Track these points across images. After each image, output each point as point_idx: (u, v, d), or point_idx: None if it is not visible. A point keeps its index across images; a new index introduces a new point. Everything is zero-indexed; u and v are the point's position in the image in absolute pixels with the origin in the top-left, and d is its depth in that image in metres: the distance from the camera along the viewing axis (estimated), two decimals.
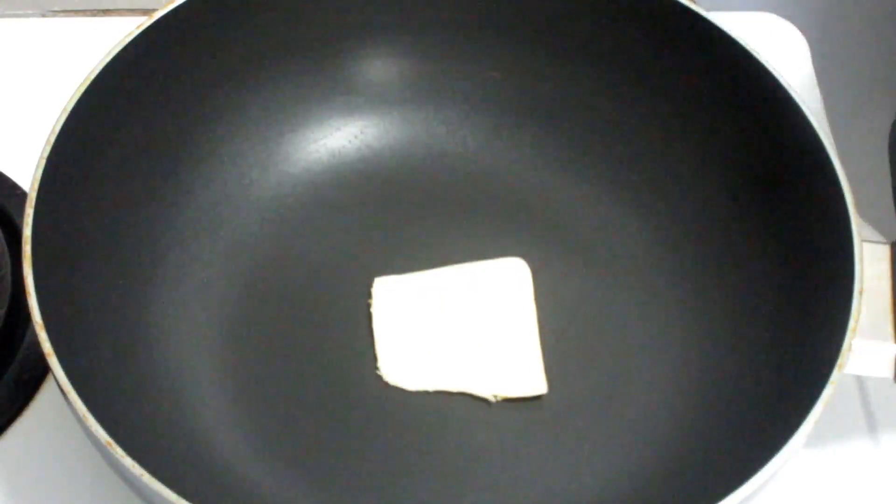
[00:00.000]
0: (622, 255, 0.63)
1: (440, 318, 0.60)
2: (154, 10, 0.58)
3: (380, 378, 0.58)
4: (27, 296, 0.49)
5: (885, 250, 0.54)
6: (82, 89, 0.55)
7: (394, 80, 0.65)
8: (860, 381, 0.61)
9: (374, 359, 0.59)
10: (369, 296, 0.61)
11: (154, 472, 0.46)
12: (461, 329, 0.60)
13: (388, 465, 0.56)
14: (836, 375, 0.49)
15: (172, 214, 0.60)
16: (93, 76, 0.55)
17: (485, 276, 0.61)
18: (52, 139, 0.53)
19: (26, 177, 0.53)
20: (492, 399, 0.58)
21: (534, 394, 0.58)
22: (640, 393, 0.58)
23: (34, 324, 0.49)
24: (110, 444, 0.46)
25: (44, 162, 0.52)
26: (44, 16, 0.75)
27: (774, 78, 0.57)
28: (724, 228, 0.60)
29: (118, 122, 0.57)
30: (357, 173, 0.65)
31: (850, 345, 0.50)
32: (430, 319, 0.60)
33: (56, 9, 0.75)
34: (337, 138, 0.65)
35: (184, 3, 0.58)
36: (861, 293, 0.51)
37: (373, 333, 0.59)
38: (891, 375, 0.52)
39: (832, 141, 0.56)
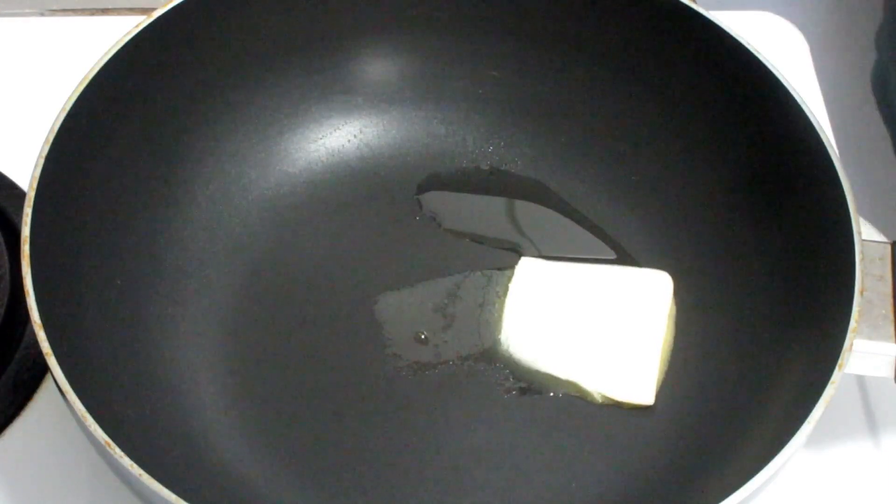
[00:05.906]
0: (621, 255, 0.62)
1: (572, 309, 0.60)
2: (153, 10, 0.58)
3: (379, 378, 0.58)
4: (26, 295, 0.49)
5: (885, 250, 0.54)
6: (81, 88, 0.55)
7: (393, 79, 0.65)
8: (860, 381, 0.61)
9: (374, 360, 0.59)
10: (369, 296, 0.61)
11: (153, 472, 0.46)
12: (588, 324, 0.60)
13: (388, 465, 0.56)
14: (836, 375, 0.49)
15: (171, 214, 0.60)
16: (91, 75, 0.55)
17: (626, 281, 0.61)
18: (51, 138, 0.53)
19: (25, 176, 0.53)
20: (598, 398, 0.58)
21: (640, 403, 0.58)
22: None
23: (33, 324, 0.48)
24: (109, 445, 0.46)
25: (42, 161, 0.52)
26: (42, 15, 0.74)
27: (775, 78, 0.57)
28: (724, 228, 0.60)
29: (117, 122, 0.57)
30: (356, 173, 0.65)
31: (851, 345, 0.50)
32: (562, 307, 0.60)
33: (55, 8, 0.75)
34: (336, 138, 0.65)
35: (183, 3, 0.58)
36: (861, 293, 0.51)
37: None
38: (891, 375, 0.52)
39: (832, 141, 0.56)
